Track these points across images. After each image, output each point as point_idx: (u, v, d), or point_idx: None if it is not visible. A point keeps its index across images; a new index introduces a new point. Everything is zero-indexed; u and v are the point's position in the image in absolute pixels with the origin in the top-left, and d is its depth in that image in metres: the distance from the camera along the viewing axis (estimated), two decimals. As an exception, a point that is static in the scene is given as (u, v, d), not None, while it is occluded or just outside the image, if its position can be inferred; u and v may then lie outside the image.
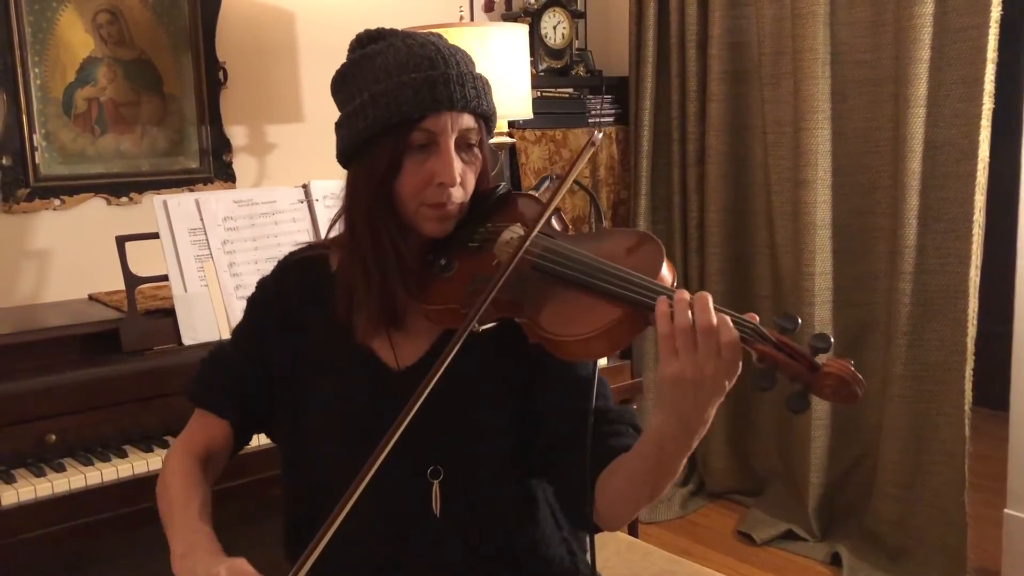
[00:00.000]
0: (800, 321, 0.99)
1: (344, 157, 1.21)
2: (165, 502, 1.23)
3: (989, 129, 2.50)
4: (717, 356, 0.96)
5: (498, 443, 1.20)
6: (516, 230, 1.19)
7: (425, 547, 1.19)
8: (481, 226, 1.22)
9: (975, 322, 2.57)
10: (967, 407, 2.58)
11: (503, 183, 1.28)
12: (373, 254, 1.17)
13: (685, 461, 1.09)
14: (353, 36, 1.24)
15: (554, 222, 1.22)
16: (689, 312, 0.96)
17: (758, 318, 1.00)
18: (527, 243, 1.09)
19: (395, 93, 1.12)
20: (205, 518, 1.19)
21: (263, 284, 1.32)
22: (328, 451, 1.21)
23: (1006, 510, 2.64)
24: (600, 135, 1.13)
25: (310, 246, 1.35)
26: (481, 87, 1.18)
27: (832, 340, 0.96)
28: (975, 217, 2.53)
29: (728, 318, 0.97)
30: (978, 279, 2.56)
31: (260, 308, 1.31)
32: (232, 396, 1.29)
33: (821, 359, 0.96)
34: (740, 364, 0.97)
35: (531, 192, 1.31)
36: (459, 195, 1.18)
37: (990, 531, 2.71)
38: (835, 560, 2.82)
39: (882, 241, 2.80)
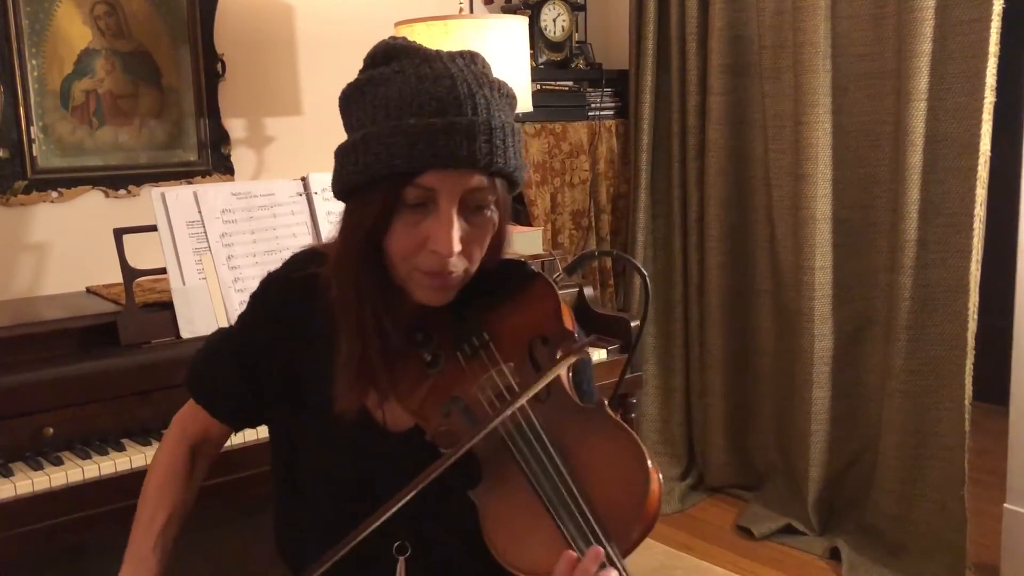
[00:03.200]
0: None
1: (335, 194, 1.08)
2: (140, 501, 1.24)
3: (990, 123, 2.49)
4: None
5: (468, 521, 1.06)
6: (505, 375, 1.05)
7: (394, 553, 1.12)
8: (478, 333, 1.09)
9: (975, 316, 2.56)
10: (967, 402, 2.57)
11: (526, 262, 1.15)
12: (356, 321, 1.06)
13: None
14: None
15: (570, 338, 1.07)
16: None
17: None
18: (478, 437, 0.98)
19: (388, 140, 0.96)
20: (163, 542, 1.20)
21: (269, 285, 1.22)
22: (317, 488, 1.17)
23: (1006, 505, 2.63)
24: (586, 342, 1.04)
25: (315, 254, 1.19)
26: (502, 140, 0.99)
27: None
28: (976, 211, 2.52)
29: None
30: (979, 273, 2.55)
31: (256, 317, 1.22)
32: (227, 400, 1.25)
33: None
34: None
35: (561, 278, 1.17)
36: (460, 265, 1.02)
37: (990, 526, 2.71)
38: (834, 554, 2.82)
39: (882, 235, 2.79)
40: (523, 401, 1.01)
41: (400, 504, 1.00)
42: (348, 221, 1.05)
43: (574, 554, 0.93)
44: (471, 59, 1.04)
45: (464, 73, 1.00)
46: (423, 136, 0.95)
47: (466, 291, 1.08)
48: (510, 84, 1.08)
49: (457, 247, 0.99)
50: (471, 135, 0.96)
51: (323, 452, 1.16)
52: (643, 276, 1.20)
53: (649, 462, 0.97)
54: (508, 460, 1.01)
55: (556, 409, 1.04)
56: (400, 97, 0.97)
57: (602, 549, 0.93)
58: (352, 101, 1.04)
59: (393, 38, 1.07)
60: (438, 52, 1.03)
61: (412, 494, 1.00)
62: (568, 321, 1.08)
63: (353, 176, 1.01)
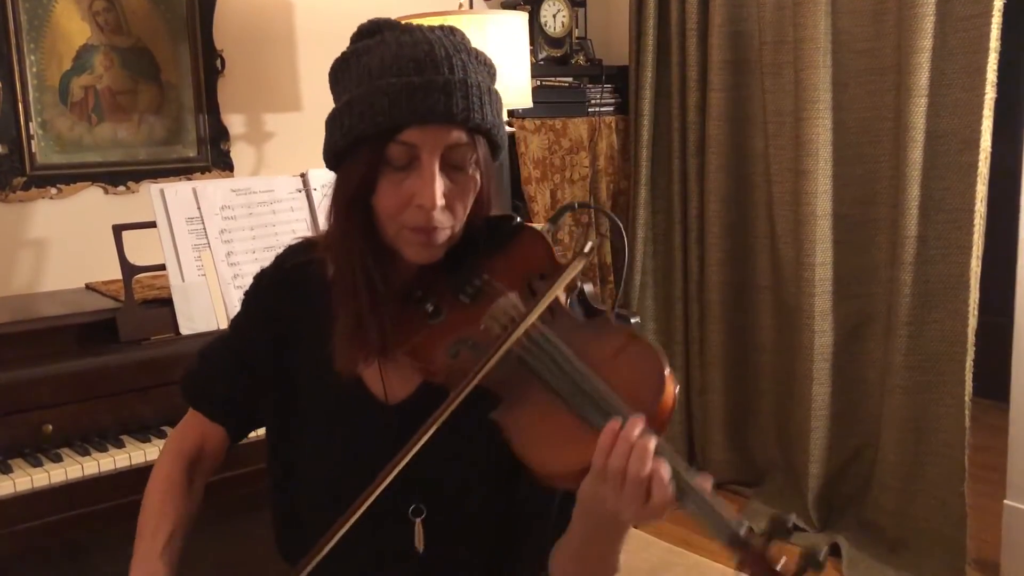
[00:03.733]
0: (794, 525, 0.91)
1: (326, 162, 1.12)
2: (141, 517, 1.23)
3: (991, 119, 2.48)
4: (642, 504, 0.90)
5: (483, 481, 1.12)
6: (512, 301, 1.07)
7: (408, 550, 1.13)
8: (477, 277, 1.12)
9: (976, 313, 2.56)
10: (967, 398, 2.57)
11: (518, 218, 1.17)
12: (348, 279, 1.09)
13: (620, 553, 1.03)
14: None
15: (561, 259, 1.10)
16: (626, 457, 0.90)
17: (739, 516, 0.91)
18: (510, 342, 0.99)
19: (370, 100, 1.01)
20: (169, 552, 1.19)
21: (259, 281, 1.25)
22: (315, 474, 1.17)
23: (1006, 501, 2.63)
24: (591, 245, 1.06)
25: (308, 244, 1.23)
26: (478, 97, 1.04)
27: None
28: (976, 207, 2.52)
29: (668, 480, 0.89)
30: (979, 269, 2.55)
31: (251, 310, 1.25)
32: (224, 402, 1.26)
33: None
34: (665, 513, 0.92)
35: (546, 230, 1.18)
36: (445, 220, 1.05)
37: (990, 522, 2.71)
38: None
39: (883, 231, 2.79)
40: (538, 311, 1.02)
41: (419, 445, 0.99)
42: (338, 186, 1.09)
43: (617, 423, 0.92)
44: (450, 31, 1.09)
45: (442, 40, 1.05)
46: (403, 93, 1.00)
47: (457, 249, 1.12)
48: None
49: (440, 201, 1.03)
50: (448, 91, 1.01)
51: (321, 433, 1.17)
52: (618, 225, 1.21)
53: (663, 361, 0.98)
54: (526, 375, 1.01)
55: (563, 326, 1.05)
56: (382, 62, 1.03)
57: (643, 418, 0.92)
58: (339, 73, 1.09)
59: (378, 17, 1.12)
60: (419, 25, 1.09)
61: (433, 428, 0.99)
62: (561, 260, 1.11)
63: (340, 140, 1.05)
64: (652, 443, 0.91)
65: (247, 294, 1.26)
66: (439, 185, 1.03)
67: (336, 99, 1.09)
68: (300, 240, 1.25)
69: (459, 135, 1.03)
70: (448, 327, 1.09)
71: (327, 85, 1.14)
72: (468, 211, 1.09)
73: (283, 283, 1.21)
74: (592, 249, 1.06)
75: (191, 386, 1.30)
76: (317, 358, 1.15)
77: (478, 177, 1.08)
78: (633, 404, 0.94)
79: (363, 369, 1.14)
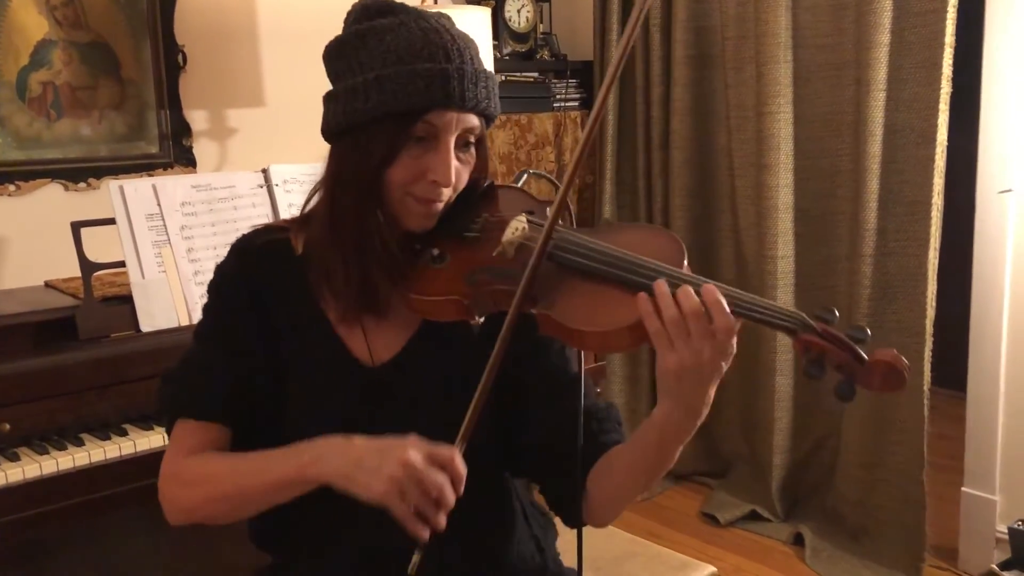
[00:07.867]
0: (838, 314, 1.00)
1: (332, 133, 1.15)
2: (221, 481, 1.13)
3: (947, 113, 2.52)
4: (712, 338, 0.96)
5: (482, 441, 1.12)
6: (522, 220, 1.14)
7: (403, 544, 1.08)
8: (475, 217, 1.19)
9: (934, 304, 2.60)
10: (926, 388, 2.61)
11: (488, 178, 1.24)
12: (356, 239, 1.13)
13: (681, 448, 1.10)
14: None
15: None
16: (674, 302, 0.96)
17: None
18: (548, 231, 1.05)
19: (404, 81, 1.08)
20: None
21: (222, 269, 1.23)
22: (305, 438, 1.13)
23: (963, 488, 2.68)
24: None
25: (267, 228, 1.25)
26: (491, 87, 1.14)
27: (869, 332, 0.99)
28: (933, 200, 2.56)
29: (723, 300, 0.96)
30: (937, 262, 2.59)
31: (224, 294, 1.21)
32: (226, 398, 1.17)
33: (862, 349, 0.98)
34: (734, 345, 0.99)
35: (512, 185, 1.28)
36: (449, 194, 1.14)
37: (948, 509, 2.76)
38: (798, 540, 2.86)
39: (843, 224, 2.83)
40: (562, 193, 1.07)
41: (499, 356, 1.04)
42: (351, 155, 1.13)
43: (665, 287, 0.98)
44: (445, 16, 1.18)
45: (452, 30, 1.14)
46: (436, 79, 1.08)
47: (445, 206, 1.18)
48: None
49: (454, 177, 1.12)
50: (473, 80, 1.10)
51: (311, 401, 1.17)
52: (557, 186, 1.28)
53: (675, 235, 1.08)
54: (556, 270, 1.08)
55: (577, 230, 1.13)
56: (410, 45, 1.09)
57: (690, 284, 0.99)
58: (350, 48, 1.13)
59: None
60: (423, 11, 1.17)
61: (508, 325, 1.03)
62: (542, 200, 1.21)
63: (362, 113, 1.10)
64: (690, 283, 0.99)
65: (213, 286, 1.23)
66: (454, 163, 1.11)
67: (345, 73, 1.13)
68: (257, 228, 1.26)
69: (473, 119, 1.13)
70: (458, 263, 1.15)
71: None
72: (465, 183, 1.17)
73: (255, 260, 1.21)
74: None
75: (181, 396, 1.20)
76: (297, 328, 1.19)
77: (478, 153, 1.18)
78: (663, 262, 1.04)
79: (346, 333, 1.18)
